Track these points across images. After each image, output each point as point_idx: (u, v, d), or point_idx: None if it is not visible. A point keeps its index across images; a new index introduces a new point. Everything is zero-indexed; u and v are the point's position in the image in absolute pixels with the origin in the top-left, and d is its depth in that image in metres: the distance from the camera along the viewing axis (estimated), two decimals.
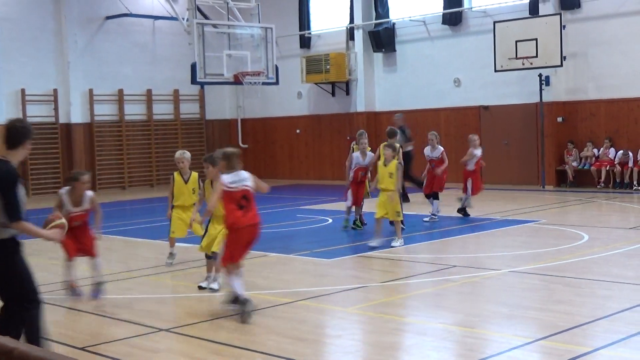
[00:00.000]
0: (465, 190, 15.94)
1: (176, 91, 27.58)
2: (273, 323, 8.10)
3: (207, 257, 9.91)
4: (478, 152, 16.21)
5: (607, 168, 20.52)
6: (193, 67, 18.29)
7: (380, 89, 25.64)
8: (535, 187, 21.55)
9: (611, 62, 20.79)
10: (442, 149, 16.06)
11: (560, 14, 20.71)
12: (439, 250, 12.41)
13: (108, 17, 25.97)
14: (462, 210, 15.90)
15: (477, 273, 10.20)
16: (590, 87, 21.19)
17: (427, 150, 16.04)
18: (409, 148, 18.82)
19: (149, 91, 26.97)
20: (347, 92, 26.26)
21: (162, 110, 27.47)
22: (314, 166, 26.98)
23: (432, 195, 15.59)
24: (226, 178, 8.38)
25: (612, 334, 7.31)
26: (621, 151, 20.23)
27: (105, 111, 26.11)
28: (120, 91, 26.26)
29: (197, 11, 19.30)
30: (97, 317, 8.74)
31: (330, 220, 15.83)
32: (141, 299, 9.50)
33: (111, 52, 26.16)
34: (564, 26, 20.73)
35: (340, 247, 12.85)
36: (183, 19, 19.48)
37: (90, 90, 25.61)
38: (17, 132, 6.44)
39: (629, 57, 20.50)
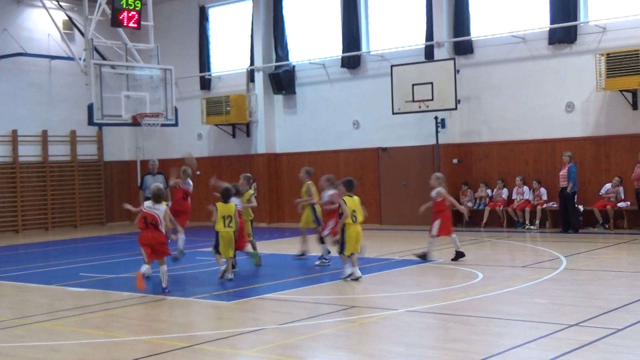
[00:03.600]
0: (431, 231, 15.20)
1: (73, 132, 27.08)
2: None
3: None
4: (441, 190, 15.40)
5: (501, 208, 21.13)
6: (90, 108, 18.00)
7: (281, 130, 25.80)
8: None
9: (502, 106, 21.56)
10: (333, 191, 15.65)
11: (454, 59, 21.38)
12: (338, 291, 12.48)
13: (2, 57, 25.43)
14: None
15: (375, 313, 10.31)
16: (483, 129, 21.89)
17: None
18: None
19: (45, 132, 26.40)
20: (248, 134, 26.33)
21: (59, 152, 26.91)
22: None
23: (321, 239, 15.27)
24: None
25: None
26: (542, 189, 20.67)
27: None
28: (14, 132, 25.61)
29: (94, 51, 19.05)
30: None
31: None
32: (33, 347, 9.19)
33: (5, 91, 25.57)
34: (458, 71, 21.42)
35: (240, 289, 12.77)
36: (80, 59, 19.21)
37: None
38: None
39: (517, 101, 21.31)
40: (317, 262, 15.13)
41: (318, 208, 15.53)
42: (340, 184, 13.74)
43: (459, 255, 14.90)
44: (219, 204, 13.48)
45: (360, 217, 13.14)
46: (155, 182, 17.10)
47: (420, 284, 12.65)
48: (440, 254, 15.99)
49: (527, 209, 20.59)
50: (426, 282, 12.90)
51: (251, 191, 15.26)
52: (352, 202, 13.08)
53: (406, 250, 17.06)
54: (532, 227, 20.41)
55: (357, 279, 12.96)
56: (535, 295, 11.16)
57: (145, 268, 12.41)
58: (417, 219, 22.58)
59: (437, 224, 15.03)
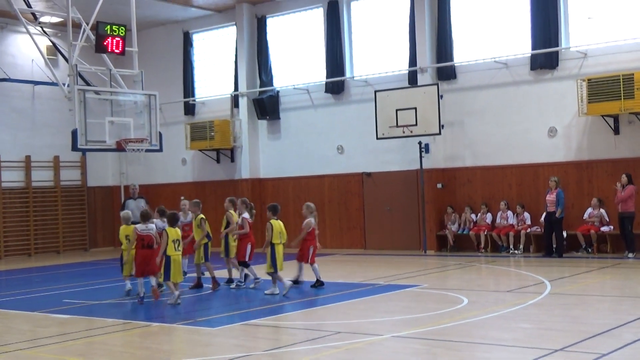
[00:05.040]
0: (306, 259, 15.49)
1: (56, 157, 26.96)
2: None
3: None
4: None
5: (485, 232, 21.16)
6: (74, 133, 17.89)
7: (265, 155, 25.79)
8: (417, 252, 21.96)
9: (485, 131, 21.65)
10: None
11: (438, 84, 21.48)
12: (322, 316, 12.42)
13: None
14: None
15: (360, 339, 10.25)
16: (466, 154, 21.96)
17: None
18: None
19: (28, 157, 26.28)
20: (232, 159, 26.29)
21: (42, 177, 26.77)
22: None
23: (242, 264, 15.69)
24: None
25: None
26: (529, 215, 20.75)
27: None
28: None
29: (78, 77, 18.97)
30: None
31: (217, 288, 15.64)
32: None
33: None
34: (442, 96, 21.52)
35: (225, 315, 12.69)
36: (64, 84, 19.13)
37: None
38: None
39: (501, 125, 21.41)
40: (251, 285, 15.58)
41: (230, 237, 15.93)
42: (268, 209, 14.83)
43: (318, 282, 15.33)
44: (169, 229, 13.70)
45: (284, 239, 14.70)
46: (137, 206, 17.11)
47: (405, 309, 12.61)
48: (427, 278, 15.99)
49: (511, 234, 20.63)
50: (411, 307, 12.87)
51: (201, 216, 15.73)
52: (278, 225, 14.52)
53: (391, 275, 17.03)
54: (516, 251, 20.43)
55: (294, 283, 14.99)
56: (520, 320, 11.13)
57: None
58: (402, 244, 22.63)
59: (311, 251, 15.37)
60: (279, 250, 14.53)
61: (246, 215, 15.61)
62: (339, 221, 24.19)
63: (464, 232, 21.62)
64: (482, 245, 21.13)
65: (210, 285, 15.51)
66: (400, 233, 22.87)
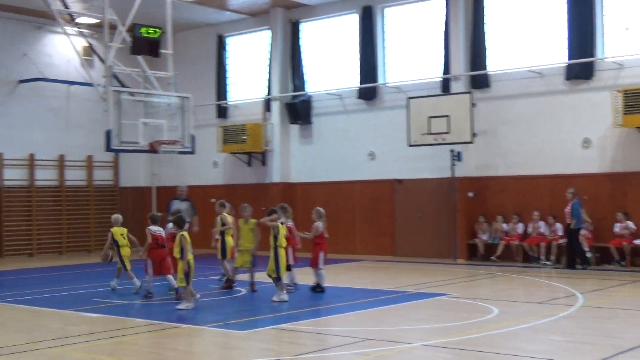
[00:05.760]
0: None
1: (89, 157, 27.18)
2: None
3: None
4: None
5: (517, 242, 20.95)
6: (108, 134, 18.02)
7: (296, 160, 25.78)
8: (448, 261, 21.81)
9: (518, 140, 21.45)
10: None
11: (471, 93, 21.34)
12: (351, 323, 12.35)
13: (22, 81, 25.61)
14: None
15: (389, 346, 10.16)
16: (499, 163, 21.77)
17: None
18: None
19: (62, 156, 26.52)
20: (263, 163, 26.31)
21: (75, 177, 26.99)
22: None
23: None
24: None
25: None
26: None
27: (14, 176, 25.48)
28: (31, 156, 25.73)
29: (113, 78, 19.12)
30: None
31: (244, 291, 15.63)
32: None
33: (23, 116, 25.72)
34: (475, 104, 21.36)
35: (254, 319, 12.67)
36: (99, 85, 19.26)
37: (0, 154, 25.01)
38: None
39: (534, 135, 21.20)
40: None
41: (229, 238, 16.10)
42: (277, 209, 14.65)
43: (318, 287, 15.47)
44: (186, 233, 13.56)
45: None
46: (181, 207, 17.24)
47: (435, 318, 12.50)
48: (456, 287, 15.87)
49: (543, 244, 20.41)
50: (440, 316, 12.75)
51: (253, 220, 15.86)
52: (284, 229, 14.30)
53: (420, 283, 16.91)
54: (547, 262, 20.21)
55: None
56: (551, 332, 10.98)
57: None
58: (432, 252, 22.49)
59: (321, 256, 15.47)
60: (284, 254, 14.26)
61: (283, 219, 15.43)
62: (368, 227, 24.11)
63: (495, 242, 21.43)
64: (498, 254, 20.94)
65: (249, 288, 15.55)
66: (430, 241, 22.73)
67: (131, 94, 19.53)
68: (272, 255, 14.14)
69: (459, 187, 21.90)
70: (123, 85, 21.19)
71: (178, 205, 18.30)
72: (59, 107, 26.71)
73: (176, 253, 13.29)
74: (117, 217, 16.82)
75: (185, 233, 13.44)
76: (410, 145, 22.03)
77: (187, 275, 13.24)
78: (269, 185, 25.90)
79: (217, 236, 16.23)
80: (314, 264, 15.50)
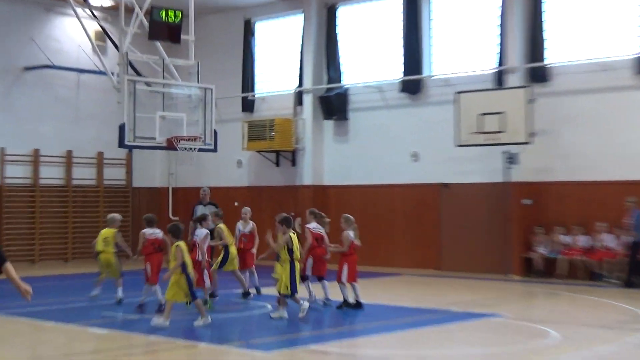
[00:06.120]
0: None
1: (100, 154, 27.37)
2: None
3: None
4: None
5: (579, 257, 20.74)
6: (121, 128, 18.13)
7: (330, 160, 25.77)
8: (499, 276, 21.65)
9: (582, 141, 21.23)
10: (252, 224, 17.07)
11: (529, 87, 21.18)
12: (390, 344, 12.30)
13: (27, 68, 25.84)
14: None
15: None
16: (560, 167, 21.58)
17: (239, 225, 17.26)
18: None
19: (69, 152, 26.73)
20: (293, 163, 26.34)
21: (83, 175, 27.18)
22: None
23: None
24: None
25: None
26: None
27: (17, 173, 25.71)
28: (36, 151, 25.96)
29: (128, 66, 19.23)
30: None
31: (270, 307, 15.64)
32: None
33: (28, 107, 25.93)
34: (533, 100, 21.16)
35: (279, 338, 12.66)
36: (112, 74, 19.40)
37: (2, 150, 25.28)
38: None
39: (599, 135, 20.97)
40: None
41: (232, 249, 16.36)
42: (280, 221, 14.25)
43: (351, 304, 15.34)
44: (182, 243, 13.40)
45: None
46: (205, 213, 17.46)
47: (484, 342, 12.41)
48: (509, 307, 15.74)
49: (608, 260, 20.20)
50: (491, 339, 12.66)
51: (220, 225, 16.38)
52: (296, 239, 14.12)
53: (468, 301, 16.82)
54: (613, 280, 19.98)
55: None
56: None
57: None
58: (482, 266, 22.36)
59: (345, 269, 15.33)
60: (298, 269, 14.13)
61: (313, 225, 15.56)
62: (410, 237, 24.01)
63: (554, 256, 21.26)
64: (558, 271, 20.75)
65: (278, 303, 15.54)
66: (480, 253, 22.60)
67: (148, 84, 19.66)
68: (288, 270, 13.88)
69: (513, 194, 21.78)
70: (139, 74, 21.35)
71: (202, 210, 18.39)
72: (67, 97, 26.93)
73: (170, 265, 13.20)
74: (113, 217, 17.03)
75: (181, 243, 13.25)
76: (459, 146, 21.91)
77: (191, 288, 13.20)
78: (299, 188, 25.92)
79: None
80: (353, 277, 15.45)
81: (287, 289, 13.84)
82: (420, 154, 23.95)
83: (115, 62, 20.41)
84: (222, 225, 16.33)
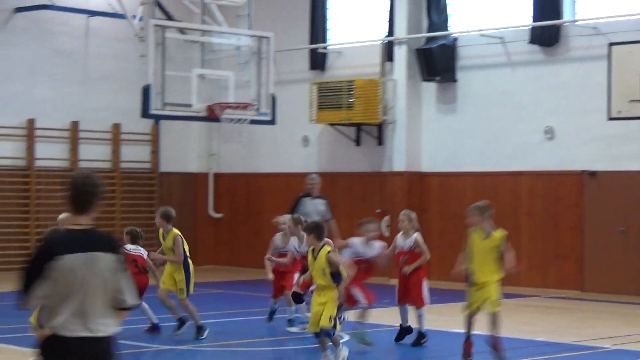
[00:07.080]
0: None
1: (116, 126, 27.59)
2: None
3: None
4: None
5: None
6: (145, 91, 18.30)
7: (431, 137, 25.69)
8: None
9: None
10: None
11: None
12: None
13: (18, 9, 25.99)
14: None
15: None
16: None
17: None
18: None
19: (75, 125, 26.95)
20: (380, 141, 26.31)
21: (94, 155, 27.39)
22: None
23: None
24: None
25: None
26: None
27: (6, 152, 26.04)
28: (30, 122, 26.21)
29: (155, 7, 19.39)
30: None
31: (346, 337, 15.69)
32: None
33: (21, 61, 26.17)
34: None
35: None
36: (133, 17, 19.56)
37: None
38: None
39: None
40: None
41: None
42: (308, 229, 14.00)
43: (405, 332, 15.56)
44: None
45: None
46: (315, 209, 17.38)
47: None
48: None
49: None
50: None
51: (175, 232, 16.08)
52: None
53: (623, 335, 16.65)
54: None
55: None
56: None
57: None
58: None
59: (425, 287, 15.53)
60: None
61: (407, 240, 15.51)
62: (541, 245, 23.81)
63: None
64: None
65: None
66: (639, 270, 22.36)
67: (182, 31, 19.80)
68: (332, 299, 13.19)
69: None
70: (170, 18, 21.48)
71: (310, 206, 18.34)
72: (72, 50, 27.18)
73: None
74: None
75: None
76: (612, 119, 21.66)
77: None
78: (388, 176, 25.87)
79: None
80: (419, 299, 15.42)
81: (331, 322, 13.07)
82: (557, 131, 23.75)
83: (137, 2, 20.56)
84: (175, 230, 16.06)
